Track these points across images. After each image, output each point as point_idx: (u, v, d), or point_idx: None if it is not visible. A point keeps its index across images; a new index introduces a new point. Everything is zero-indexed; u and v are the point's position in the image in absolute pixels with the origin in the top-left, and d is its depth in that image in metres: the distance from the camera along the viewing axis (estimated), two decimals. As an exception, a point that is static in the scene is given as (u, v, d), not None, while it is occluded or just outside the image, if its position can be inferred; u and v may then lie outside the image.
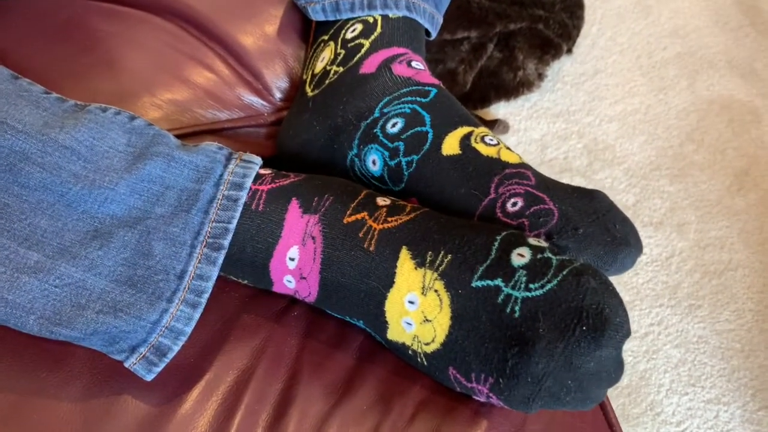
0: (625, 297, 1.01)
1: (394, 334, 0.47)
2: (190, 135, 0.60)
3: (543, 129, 1.13)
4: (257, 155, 0.53)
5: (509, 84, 1.13)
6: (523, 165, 0.49)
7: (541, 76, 1.15)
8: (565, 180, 1.08)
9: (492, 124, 1.08)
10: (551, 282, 0.41)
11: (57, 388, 0.46)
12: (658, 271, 1.02)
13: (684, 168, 1.10)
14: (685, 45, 1.22)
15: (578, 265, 0.42)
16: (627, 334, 0.41)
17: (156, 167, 0.47)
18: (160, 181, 0.47)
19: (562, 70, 1.18)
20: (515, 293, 0.42)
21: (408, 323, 0.45)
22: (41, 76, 0.53)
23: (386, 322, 0.47)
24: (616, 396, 0.93)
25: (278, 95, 0.63)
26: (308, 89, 0.57)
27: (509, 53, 1.13)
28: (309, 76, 0.57)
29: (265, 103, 0.62)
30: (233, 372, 0.49)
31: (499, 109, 1.14)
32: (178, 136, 0.59)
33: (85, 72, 0.59)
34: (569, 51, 1.18)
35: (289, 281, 0.48)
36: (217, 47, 0.62)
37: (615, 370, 0.42)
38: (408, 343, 0.47)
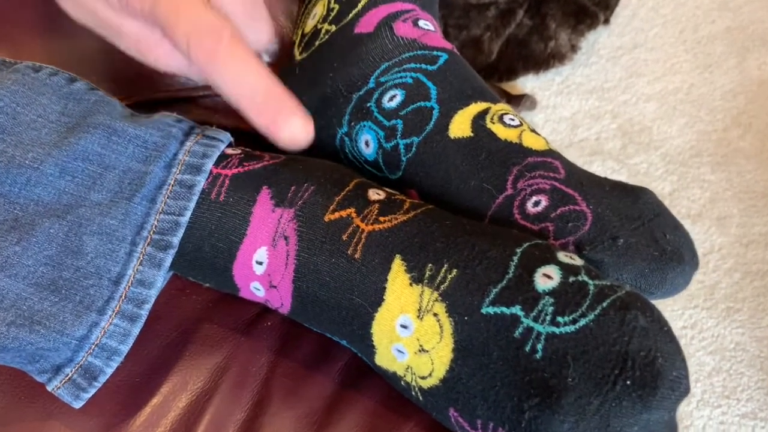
0: (657, 296, 0.90)
1: (383, 360, 0.37)
2: (156, 103, 0.49)
3: (574, 106, 1.01)
4: (236, 128, 0.43)
5: (539, 55, 1.02)
6: (551, 152, 0.38)
7: (574, 48, 1.03)
8: (595, 166, 0.96)
9: (518, 99, 0.96)
10: (587, 316, 0.30)
11: (-33, 409, 0.37)
12: (694, 269, 0.91)
13: (728, 155, 0.97)
14: (736, 19, 1.09)
15: (623, 293, 0.31)
16: (685, 392, 0.30)
17: (93, 142, 0.37)
18: (97, 160, 0.37)
19: (597, 42, 1.06)
20: (538, 327, 0.31)
21: (400, 351, 0.35)
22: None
23: (373, 347, 0.36)
24: (642, 405, 0.83)
25: (266, 58, 0.52)
26: (296, 52, 0.46)
27: (540, 21, 1.01)
28: (299, 37, 0.46)
29: (250, 66, 0.51)
30: (186, 396, 0.39)
31: (526, 83, 1.02)
32: (140, 105, 0.49)
33: (34, 24, 0.49)
34: (606, 21, 1.06)
35: (257, 289, 0.38)
36: (197, -1, 0.51)
37: None
38: (400, 373, 0.36)
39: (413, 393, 0.36)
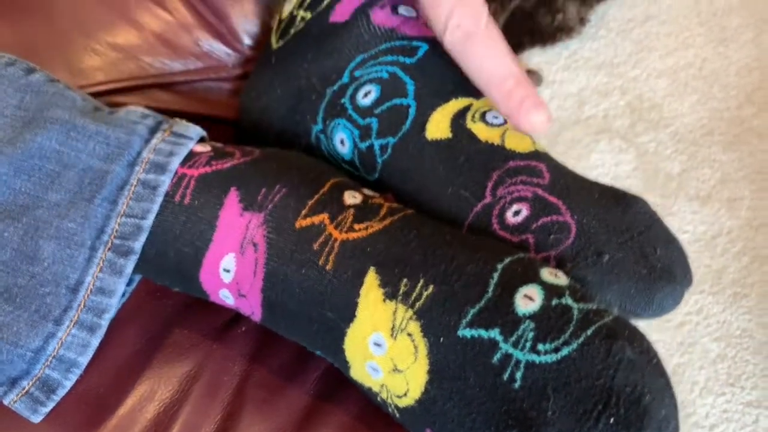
0: (662, 280, 0.87)
1: (357, 375, 0.34)
2: (132, 89, 0.47)
3: (582, 82, 0.97)
4: (212, 115, 0.40)
5: (546, 28, 0.97)
6: (536, 154, 0.34)
7: (583, 21, 0.99)
8: (602, 144, 0.92)
9: (523, 74, 0.92)
10: (569, 344, 0.27)
11: None
12: (701, 252, 0.87)
13: (740, 134, 0.93)
14: (754, -10, 1.04)
15: (610, 320, 0.28)
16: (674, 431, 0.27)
17: (51, 138, 0.34)
18: (55, 158, 0.34)
19: (607, 14, 1.01)
20: (518, 354, 0.28)
21: (374, 369, 0.33)
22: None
23: (347, 362, 0.34)
24: (643, 392, 0.80)
25: (247, 41, 0.49)
26: (273, 39, 0.42)
27: (548, -7, 0.97)
28: (276, 22, 0.43)
29: (229, 51, 0.48)
30: (153, 407, 0.37)
31: (533, 57, 0.98)
32: (118, 91, 0.46)
33: (5, 4, 0.46)
34: (618, -8, 1.01)
35: (227, 296, 0.36)
36: (175, -23, 0.48)
37: None
38: (375, 389, 0.34)
39: (390, 410, 0.34)
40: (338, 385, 0.38)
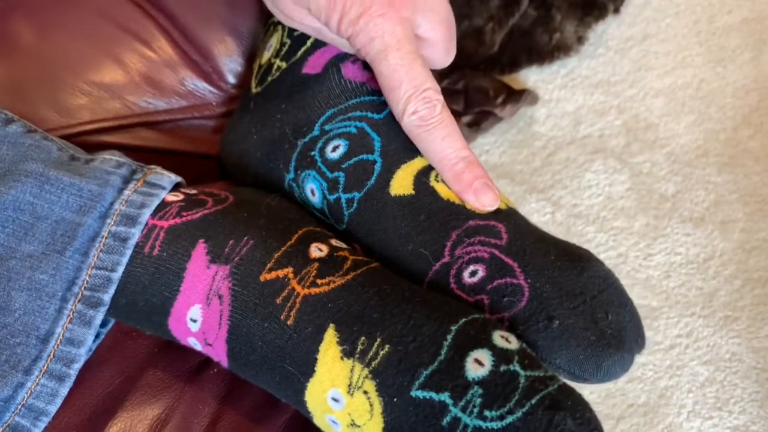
0: (652, 302, 0.87)
1: (321, 425, 0.35)
2: (117, 128, 0.47)
3: (578, 101, 0.97)
4: (195, 153, 0.41)
5: (544, 47, 0.97)
6: (497, 213, 0.35)
7: (581, 40, 0.98)
8: (596, 164, 0.92)
9: (519, 94, 0.92)
10: (514, 413, 0.28)
11: None
12: (692, 275, 0.87)
13: (736, 156, 0.93)
14: (755, 9, 1.03)
15: (554, 389, 0.28)
16: None
17: (25, 191, 0.35)
18: (29, 210, 0.35)
19: (606, 32, 1.01)
20: (465, 419, 0.29)
21: (333, 422, 0.33)
22: None
23: (309, 412, 0.35)
24: (630, 415, 0.81)
25: (231, 79, 0.49)
26: (253, 84, 0.43)
27: (545, 12, 0.97)
28: (256, 67, 0.44)
29: (213, 89, 0.49)
30: (124, 449, 0.38)
31: (530, 76, 0.98)
32: (103, 130, 0.47)
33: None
34: (616, 11, 1.01)
35: (195, 344, 0.37)
36: (160, 17, 0.49)
37: None
38: (337, 439, 0.35)
39: (352, 458, 0.35)
40: (306, 429, 0.39)
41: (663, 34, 1.01)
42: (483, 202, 0.35)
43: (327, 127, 0.37)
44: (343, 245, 0.37)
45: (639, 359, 0.93)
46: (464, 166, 0.36)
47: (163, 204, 0.37)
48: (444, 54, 0.38)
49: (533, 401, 0.28)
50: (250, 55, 0.49)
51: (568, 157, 0.93)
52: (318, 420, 0.35)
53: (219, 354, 0.36)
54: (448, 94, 0.93)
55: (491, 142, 0.94)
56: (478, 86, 0.93)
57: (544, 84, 0.98)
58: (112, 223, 0.36)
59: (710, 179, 0.92)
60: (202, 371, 0.40)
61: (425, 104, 0.35)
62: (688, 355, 0.84)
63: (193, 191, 0.39)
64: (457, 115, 0.92)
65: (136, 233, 0.35)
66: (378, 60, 0.35)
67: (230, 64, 0.49)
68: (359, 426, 0.32)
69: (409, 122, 0.36)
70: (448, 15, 0.38)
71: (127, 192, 0.37)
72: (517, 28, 0.97)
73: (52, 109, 0.47)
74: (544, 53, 0.99)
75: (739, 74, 0.98)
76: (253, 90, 0.43)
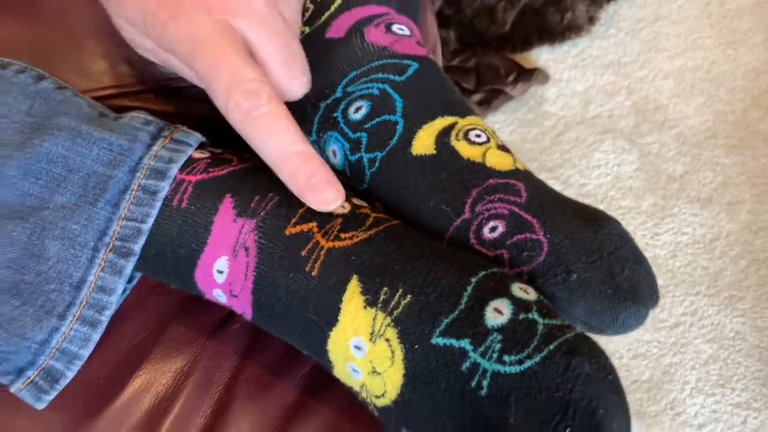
0: (658, 281, 0.88)
1: (340, 375, 0.36)
2: (139, 93, 0.48)
3: (588, 81, 0.98)
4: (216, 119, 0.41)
5: (555, 27, 0.98)
6: (515, 173, 0.36)
7: (592, 20, 0.99)
8: (605, 144, 0.93)
9: (530, 73, 0.93)
10: (532, 358, 0.29)
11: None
12: (699, 255, 0.88)
13: (744, 138, 0.94)
14: (765, -7, 1.03)
15: (571, 336, 0.30)
16: None
17: (57, 144, 0.36)
18: (62, 162, 0.36)
19: (617, 13, 1.02)
20: (485, 363, 0.30)
21: (354, 370, 0.35)
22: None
23: (330, 362, 0.36)
24: (634, 390, 0.82)
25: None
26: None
27: (558, -8, 0.97)
28: None
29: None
30: (148, 400, 0.39)
31: (541, 55, 0.99)
32: (124, 95, 0.48)
33: (11, 7, 0.48)
34: (628, -8, 1.02)
35: (220, 296, 0.38)
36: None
37: None
38: (356, 389, 0.36)
39: (370, 408, 0.36)
40: (325, 382, 0.40)
41: (674, 16, 1.01)
42: (322, 199, 0.33)
43: (350, 89, 0.38)
44: (364, 203, 0.38)
45: (644, 336, 0.95)
46: (299, 162, 0.33)
47: (191, 160, 0.38)
48: (285, 77, 0.34)
49: (551, 347, 0.29)
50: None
51: (578, 137, 0.94)
52: (339, 369, 0.36)
53: (244, 305, 0.37)
54: (460, 72, 0.94)
55: (501, 120, 0.95)
56: (490, 64, 0.93)
57: (555, 63, 0.99)
58: (142, 177, 0.37)
59: (718, 161, 0.93)
60: (223, 326, 0.42)
61: (247, 96, 0.32)
62: (693, 333, 0.85)
63: (219, 150, 0.40)
64: (467, 93, 0.93)
65: (165, 186, 0.37)
66: (192, 58, 0.33)
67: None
68: (380, 373, 0.33)
69: (233, 118, 0.32)
70: (283, 28, 0.34)
71: (155, 147, 0.38)
72: (529, 7, 0.97)
73: (76, 73, 0.48)
74: (556, 33, 0.99)
75: (750, 56, 0.98)
76: (277, 54, 0.44)
